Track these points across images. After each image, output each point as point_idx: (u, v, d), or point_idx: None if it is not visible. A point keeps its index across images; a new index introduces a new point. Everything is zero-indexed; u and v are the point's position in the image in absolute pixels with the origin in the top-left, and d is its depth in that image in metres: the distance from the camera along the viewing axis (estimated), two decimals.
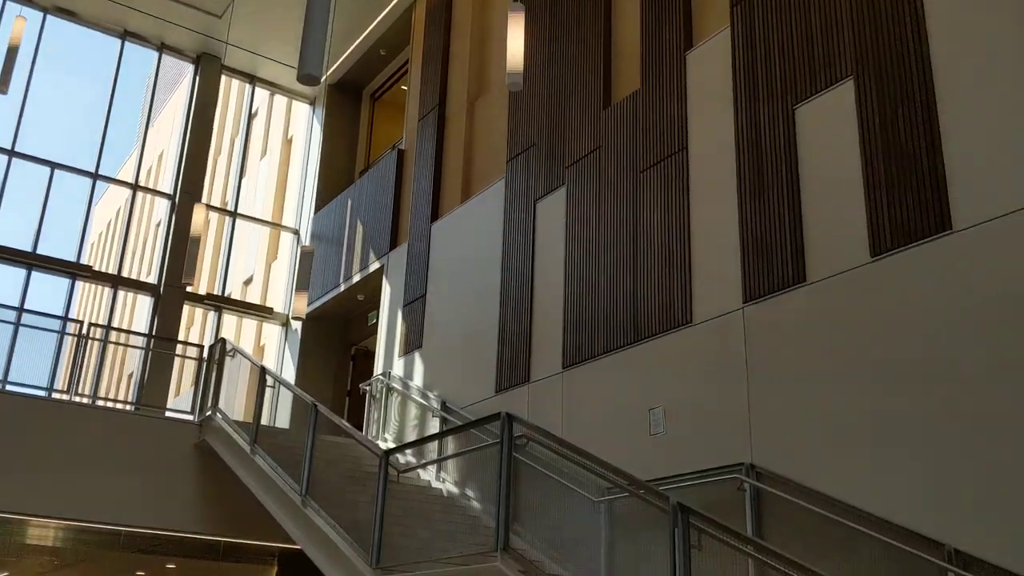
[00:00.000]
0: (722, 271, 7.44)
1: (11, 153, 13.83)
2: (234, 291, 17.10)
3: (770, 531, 6.39)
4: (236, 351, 10.97)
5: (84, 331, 12.30)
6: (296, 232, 16.09)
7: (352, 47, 15.37)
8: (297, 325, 15.04)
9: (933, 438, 5.61)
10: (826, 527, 5.91)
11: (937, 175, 6.00)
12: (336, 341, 15.12)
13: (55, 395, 12.06)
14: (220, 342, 11.17)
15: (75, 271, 13.95)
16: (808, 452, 6.33)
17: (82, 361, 12.05)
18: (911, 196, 6.13)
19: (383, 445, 9.90)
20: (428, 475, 9.70)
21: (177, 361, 14.40)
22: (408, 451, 9.47)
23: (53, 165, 14.11)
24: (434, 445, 9.51)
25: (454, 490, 9.32)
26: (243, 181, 16.53)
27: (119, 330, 15.69)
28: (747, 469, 6.65)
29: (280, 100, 17.93)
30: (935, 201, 5.97)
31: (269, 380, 10.19)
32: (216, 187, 19.46)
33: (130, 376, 15.18)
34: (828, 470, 6.14)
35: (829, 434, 6.24)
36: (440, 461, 9.42)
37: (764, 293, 7.02)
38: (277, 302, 15.93)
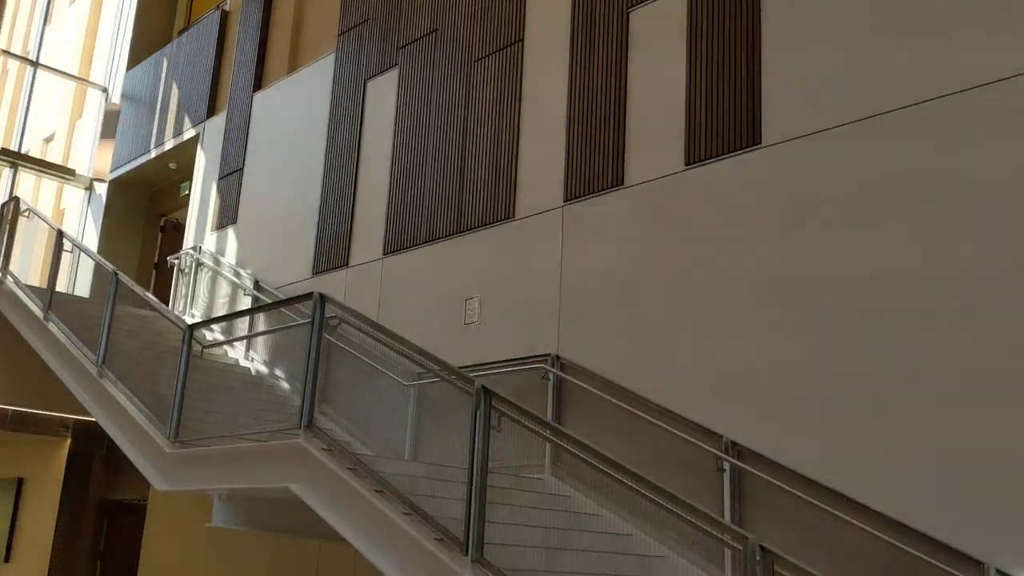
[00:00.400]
0: (547, 169, 7.52)
1: None
2: (33, 148, 15.78)
3: (569, 418, 6.70)
4: (31, 211, 10.20)
5: None
6: (105, 90, 14.92)
7: None
8: (102, 190, 14.10)
9: (719, 338, 5.99)
10: (620, 416, 6.26)
11: (754, 91, 6.25)
12: (144, 210, 14.31)
13: None
14: (13, 200, 10.33)
15: None
16: (609, 346, 6.63)
17: None
18: (728, 109, 6.37)
19: (189, 321, 9.58)
20: (237, 354, 9.50)
21: None
22: (215, 327, 9.24)
23: None
24: (244, 324, 9.30)
25: (263, 370, 9.19)
26: (47, 29, 15.08)
27: None
28: (552, 360, 6.91)
29: None
30: (749, 116, 6.23)
31: (67, 245, 9.57)
32: (17, 33, 17.67)
33: None
34: (625, 364, 6.46)
35: (628, 331, 6.55)
36: (248, 338, 9.25)
37: (585, 193, 7.18)
38: (80, 164, 14.82)
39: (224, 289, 10.81)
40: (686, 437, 5.83)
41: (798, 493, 5.17)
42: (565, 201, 7.29)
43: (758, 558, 3.42)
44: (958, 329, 4.94)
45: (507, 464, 5.91)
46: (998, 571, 4.46)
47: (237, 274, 10.57)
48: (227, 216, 11.23)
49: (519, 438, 5.21)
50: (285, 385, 8.74)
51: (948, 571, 4.56)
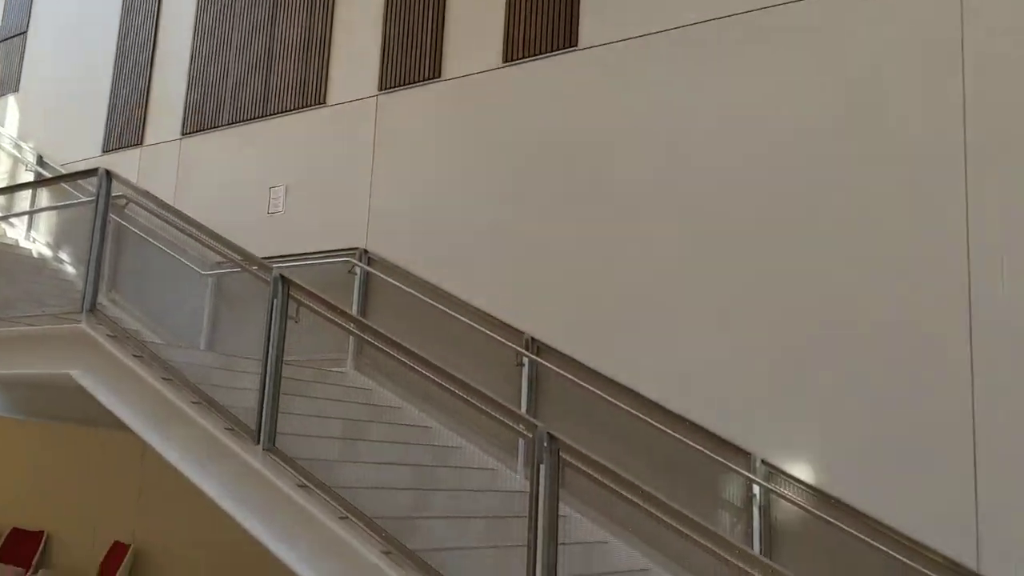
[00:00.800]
0: (362, 55, 7.24)
1: None
2: None
3: (376, 313, 6.64)
4: None
5: None
6: None
7: None
8: None
9: (525, 236, 6.04)
10: (429, 311, 6.25)
11: None
12: None
13: None
14: None
15: None
16: (418, 242, 6.57)
17: None
18: (547, 8, 6.29)
19: None
20: (16, 234, 8.76)
21: None
22: None
23: None
24: (25, 204, 8.55)
25: (46, 252, 8.53)
26: None
27: None
28: (360, 254, 6.79)
29: None
30: (567, 18, 6.19)
31: None
32: None
33: None
34: (434, 260, 6.43)
35: (437, 227, 6.51)
36: (27, 215, 8.53)
37: (400, 84, 6.97)
38: None
39: (3, 164, 9.88)
40: (489, 333, 5.91)
41: (588, 387, 5.38)
42: (380, 90, 7.06)
43: (546, 445, 3.52)
44: (742, 226, 5.19)
45: (309, 357, 5.82)
46: (763, 461, 4.84)
47: (19, 147, 9.67)
48: (8, 83, 10.22)
49: (321, 330, 5.10)
50: (71, 269, 8.16)
51: (721, 462, 4.91)
